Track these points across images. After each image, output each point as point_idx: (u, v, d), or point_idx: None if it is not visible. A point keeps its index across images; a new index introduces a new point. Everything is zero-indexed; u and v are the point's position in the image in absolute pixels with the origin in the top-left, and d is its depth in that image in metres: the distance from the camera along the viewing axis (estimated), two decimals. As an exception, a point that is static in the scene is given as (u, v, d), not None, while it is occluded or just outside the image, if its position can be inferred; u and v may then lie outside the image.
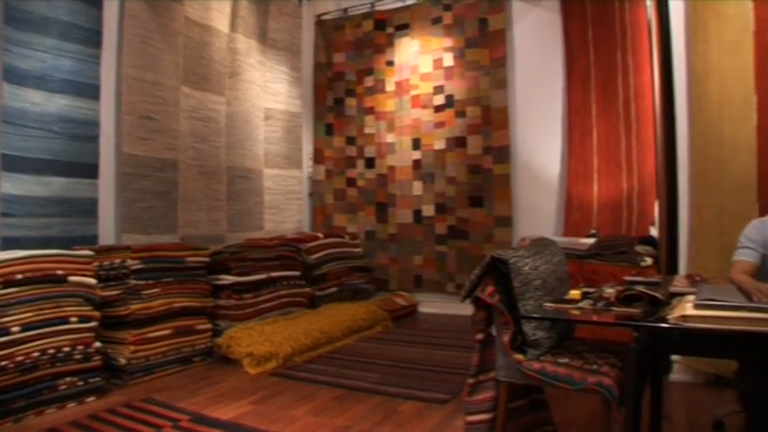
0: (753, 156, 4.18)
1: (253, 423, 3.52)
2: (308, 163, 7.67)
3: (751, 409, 2.59)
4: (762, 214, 3.53)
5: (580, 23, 6.19)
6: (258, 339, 4.88)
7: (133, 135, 5.19)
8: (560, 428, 3.24)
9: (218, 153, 6.11)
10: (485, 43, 6.78)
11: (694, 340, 2.28)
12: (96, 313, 4.10)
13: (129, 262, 4.53)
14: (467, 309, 2.87)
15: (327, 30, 7.82)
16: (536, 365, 2.65)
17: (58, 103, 4.71)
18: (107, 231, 5.06)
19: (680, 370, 4.36)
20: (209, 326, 5.02)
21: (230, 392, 4.16)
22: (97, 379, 4.04)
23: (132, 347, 4.37)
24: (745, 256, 3.05)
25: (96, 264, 4.34)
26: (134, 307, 4.43)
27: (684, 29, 4.48)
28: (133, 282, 4.52)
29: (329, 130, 7.81)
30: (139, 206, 5.23)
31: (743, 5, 4.26)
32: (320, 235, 6.78)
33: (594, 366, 2.60)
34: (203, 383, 4.38)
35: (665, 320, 2.22)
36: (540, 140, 6.48)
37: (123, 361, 4.31)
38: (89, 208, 4.95)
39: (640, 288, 2.58)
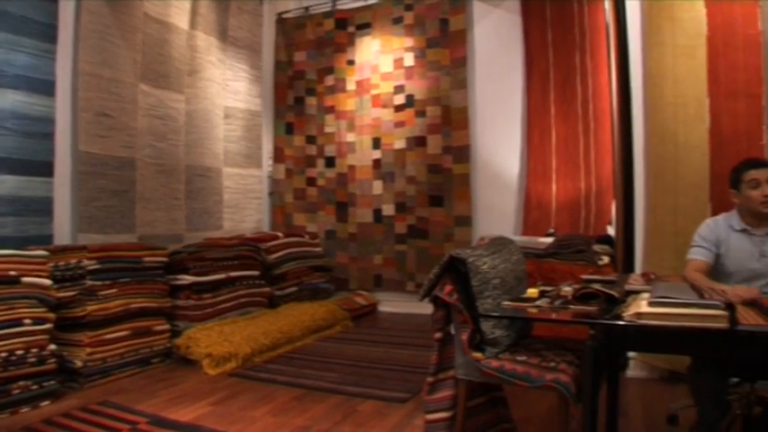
0: (705, 156, 4.29)
1: (212, 424, 3.49)
2: (267, 162, 7.63)
3: (702, 402, 2.66)
4: (714, 213, 3.63)
5: (540, 25, 6.26)
6: (217, 340, 4.84)
7: (90, 132, 5.10)
8: (519, 425, 3.28)
9: (176, 151, 6.04)
10: (445, 43, 6.81)
11: (649, 337, 2.32)
12: (51, 315, 4.01)
13: (86, 262, 4.45)
14: (427, 308, 2.88)
15: (288, 28, 7.79)
16: (494, 363, 2.68)
17: (10, 99, 4.60)
18: (62, 231, 4.96)
19: (636, 366, 4.45)
20: (167, 326, 4.96)
21: (189, 394, 4.12)
22: (52, 382, 3.96)
23: (88, 349, 4.29)
24: (698, 255, 3.14)
25: (51, 264, 4.24)
26: (90, 308, 4.35)
27: (641, 32, 4.57)
28: (89, 282, 4.44)
29: (289, 128, 7.77)
30: (96, 205, 5.14)
31: (696, 10, 4.35)
32: (280, 234, 6.75)
33: (552, 364, 2.63)
34: (162, 385, 4.33)
35: (620, 318, 2.26)
36: (499, 140, 6.53)
37: (79, 363, 4.23)
38: (44, 207, 4.85)
39: (597, 286, 2.62)
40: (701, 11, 4.34)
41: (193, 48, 6.29)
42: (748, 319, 2.20)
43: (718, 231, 3.17)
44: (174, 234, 5.95)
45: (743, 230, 3.12)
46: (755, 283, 3.02)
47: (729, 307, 2.23)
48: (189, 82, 6.23)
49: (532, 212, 6.16)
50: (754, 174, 3.05)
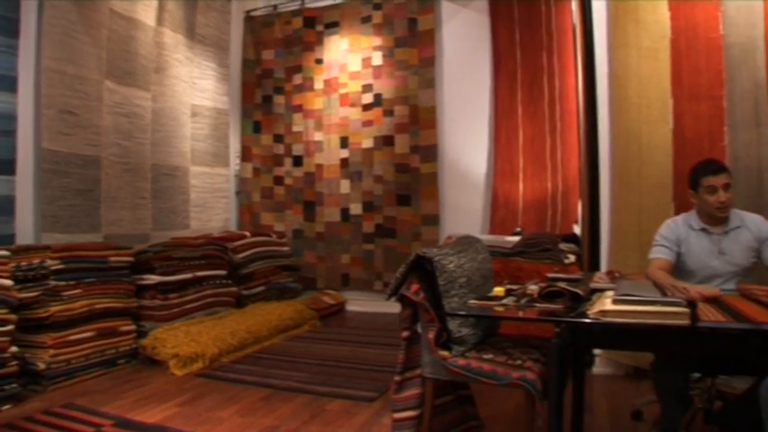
0: (669, 157, 4.37)
1: (179, 425, 3.46)
2: (235, 161, 7.58)
3: (665, 397, 2.72)
4: (677, 213, 3.70)
5: (508, 26, 6.31)
6: (184, 340, 4.80)
7: (53, 130, 5.01)
8: (486, 423, 3.31)
9: (143, 150, 5.97)
10: (414, 43, 6.83)
11: (613, 334, 2.37)
12: (13, 316, 3.93)
13: (49, 262, 4.38)
14: (394, 307, 2.90)
15: (256, 26, 7.75)
16: (461, 362, 2.70)
17: (-29, 96, 4.52)
18: (25, 230, 4.87)
19: (601, 363, 4.51)
20: (133, 327, 4.91)
21: (156, 395, 4.08)
22: (14, 385, 3.88)
23: (52, 351, 4.22)
24: (660, 254, 3.20)
25: (13, 264, 4.15)
26: (54, 309, 4.28)
27: (606, 34, 4.63)
28: (53, 283, 4.37)
29: (257, 127, 7.73)
30: (60, 204, 5.06)
31: (661, 13, 4.43)
32: (247, 234, 6.72)
33: (518, 362, 2.66)
34: (128, 386, 4.28)
35: (585, 316, 2.29)
36: (466, 140, 6.57)
37: (42, 366, 4.16)
38: (5, 206, 4.76)
39: (562, 284, 2.65)
40: (664, 14, 4.42)
41: (160, 45, 6.22)
42: (709, 315, 2.25)
43: (678, 231, 3.24)
44: (141, 233, 5.89)
45: (702, 230, 3.19)
46: (716, 280, 3.09)
47: (691, 304, 2.28)
48: (155, 79, 6.16)
49: (499, 211, 6.21)
50: (711, 180, 3.11)
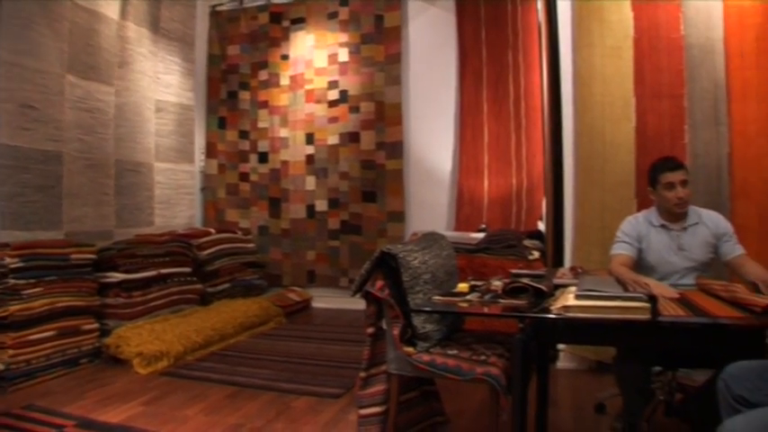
0: (631, 155, 4.45)
1: (143, 425, 3.43)
2: (200, 157, 7.51)
3: (627, 390, 2.78)
4: (640, 209, 3.76)
5: (473, 23, 6.34)
6: (148, 338, 4.75)
7: (12, 125, 4.91)
8: (451, 418, 3.33)
9: (105, 146, 5.89)
10: (380, 40, 6.83)
11: (576, 329, 2.41)
12: (-30, 316, 3.87)
13: (8, 260, 4.30)
14: (360, 303, 2.90)
15: (222, 21, 7.68)
16: (426, 358, 2.71)
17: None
18: (-16, 227, 4.78)
19: (565, 358, 4.57)
20: (96, 326, 4.84)
21: (119, 394, 4.03)
22: (-28, 387, 3.82)
23: (11, 351, 4.13)
24: (622, 250, 3.27)
25: (-29, 262, 4.09)
26: (13, 308, 4.20)
27: (571, 33, 4.69)
28: (12, 281, 4.28)
29: (222, 123, 7.67)
30: (20, 201, 4.96)
31: (624, 13, 4.50)
32: (212, 230, 6.66)
33: (482, 357, 2.69)
34: (91, 386, 4.22)
35: (548, 311, 2.33)
36: (432, 137, 6.59)
37: (1, 366, 4.08)
38: (-36, 202, 4.67)
39: (526, 280, 2.69)
40: (628, 14, 4.49)
41: (124, 39, 6.13)
42: (669, 310, 2.30)
43: (639, 227, 3.31)
44: (104, 230, 5.81)
45: (661, 226, 3.26)
46: (675, 276, 3.17)
47: (651, 299, 2.32)
48: (119, 74, 6.07)
49: (464, 208, 6.25)
50: (669, 176, 3.19)
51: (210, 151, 7.62)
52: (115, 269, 5.13)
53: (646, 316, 2.20)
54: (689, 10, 4.34)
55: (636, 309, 2.23)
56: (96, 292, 4.95)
